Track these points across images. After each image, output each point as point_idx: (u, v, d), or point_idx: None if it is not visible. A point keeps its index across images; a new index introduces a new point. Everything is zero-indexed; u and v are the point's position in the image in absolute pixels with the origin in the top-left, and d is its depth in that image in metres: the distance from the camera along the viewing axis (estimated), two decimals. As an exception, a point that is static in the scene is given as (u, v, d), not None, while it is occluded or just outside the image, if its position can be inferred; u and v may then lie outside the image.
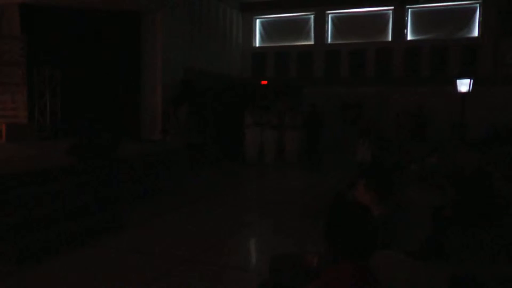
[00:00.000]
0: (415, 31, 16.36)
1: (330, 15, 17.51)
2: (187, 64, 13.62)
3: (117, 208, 6.58)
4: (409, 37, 16.42)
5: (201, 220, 6.81)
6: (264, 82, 15.37)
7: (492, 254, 4.19)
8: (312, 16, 17.76)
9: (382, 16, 16.82)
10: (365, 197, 3.12)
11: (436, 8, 15.99)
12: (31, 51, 10.29)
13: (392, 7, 16.44)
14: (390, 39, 16.66)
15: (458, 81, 10.72)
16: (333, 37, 17.59)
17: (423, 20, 16.23)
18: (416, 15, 16.35)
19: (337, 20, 17.49)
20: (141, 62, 12.39)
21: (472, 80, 10.51)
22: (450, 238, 4.58)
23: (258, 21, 18.60)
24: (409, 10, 16.33)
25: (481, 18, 15.40)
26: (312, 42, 17.79)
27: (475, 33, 15.55)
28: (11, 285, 4.24)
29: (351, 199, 3.60)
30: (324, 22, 17.53)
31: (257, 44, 18.70)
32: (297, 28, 18.01)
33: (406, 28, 16.38)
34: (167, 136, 11.31)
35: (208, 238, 5.81)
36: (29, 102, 10.33)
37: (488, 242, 4.40)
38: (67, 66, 10.92)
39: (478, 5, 15.45)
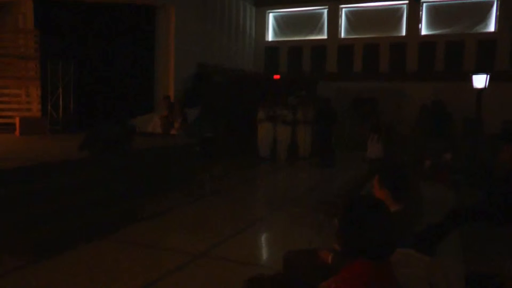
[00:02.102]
0: (429, 25, 16.16)
1: (343, 10, 17.37)
2: (200, 58, 13.60)
3: (129, 202, 6.59)
4: (423, 32, 16.23)
5: (213, 215, 6.80)
6: (276, 77, 15.31)
7: (511, 252, 4.11)
8: (325, 11, 17.63)
9: (396, 11, 16.65)
10: (379, 193, 3.07)
11: (452, 2, 15.77)
12: (45, 45, 10.33)
13: (406, 1, 16.25)
14: (404, 33, 16.50)
15: (474, 77, 10.52)
16: (346, 31, 17.46)
17: (438, 15, 16.02)
18: (431, 10, 16.14)
19: (350, 15, 17.35)
20: (154, 55, 12.40)
21: (488, 76, 10.32)
22: (468, 235, 4.52)
23: (271, 15, 18.52)
24: (424, 4, 16.13)
25: (498, 13, 15.14)
26: (325, 37, 17.68)
27: (492, 28, 15.31)
28: (26, 277, 4.27)
29: (367, 194, 3.55)
30: (338, 16, 17.40)
31: (270, 38, 18.62)
32: (310, 22, 17.91)
33: (421, 22, 16.19)
34: (171, 129, 11.29)
35: (220, 232, 5.79)
36: (42, 96, 10.38)
37: (507, 240, 4.32)
38: (81, 60, 10.96)
39: (495, -1, 15.22)
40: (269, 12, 18.48)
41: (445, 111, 13.77)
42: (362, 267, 1.89)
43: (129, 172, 7.17)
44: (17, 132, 9.42)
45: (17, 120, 9.51)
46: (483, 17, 15.42)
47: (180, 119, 11.34)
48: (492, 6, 15.25)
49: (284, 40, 18.28)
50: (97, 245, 5.17)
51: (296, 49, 17.89)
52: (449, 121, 13.64)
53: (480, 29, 15.46)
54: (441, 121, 13.28)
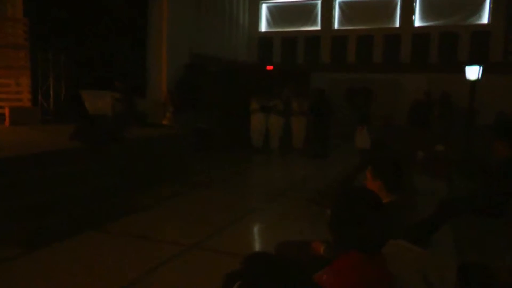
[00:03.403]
0: (423, 17, 16.13)
1: (337, 1, 17.29)
2: (192, 48, 13.51)
3: (122, 193, 6.55)
4: (417, 24, 16.20)
5: (206, 206, 6.77)
6: (269, 68, 15.25)
7: (503, 244, 4.12)
8: (319, 2, 17.55)
9: (390, 2, 16.59)
10: (373, 185, 3.04)
11: (446, -6, 15.75)
12: (36, 35, 10.18)
13: (400, -7, 16.21)
14: (398, 25, 16.45)
15: (467, 68, 10.53)
16: (340, 23, 17.38)
17: (431, 6, 15.99)
18: (425, 1, 16.10)
19: (344, 6, 17.28)
20: (146, 46, 12.29)
21: (481, 67, 10.33)
22: (460, 227, 4.51)
23: (264, 5, 18.40)
24: (418, -5, 16.10)
25: (491, 5, 15.14)
26: (318, 28, 17.60)
27: (485, 19, 15.31)
28: (18, 268, 4.24)
29: (359, 186, 3.52)
30: (331, 7, 17.33)
31: (264, 29, 18.52)
32: (304, 13, 17.81)
33: (414, 14, 16.15)
34: (164, 118, 11.26)
35: (213, 224, 5.76)
36: (33, 86, 10.25)
37: (499, 232, 4.32)
38: (72, 50, 10.81)
39: (489, -9, 15.20)
40: (262, 3, 18.36)
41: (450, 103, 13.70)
42: (354, 259, 1.87)
43: (122, 163, 7.11)
44: (7, 122, 9.30)
45: (6, 110, 9.39)
46: (477, 9, 15.41)
47: (172, 109, 11.29)
48: (485, -3, 15.25)
49: (277, 31, 18.19)
50: (90, 237, 5.12)
51: (289, 40, 17.80)
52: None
53: (473, 20, 15.45)
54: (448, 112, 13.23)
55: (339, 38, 17.11)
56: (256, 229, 6.13)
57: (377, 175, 3.03)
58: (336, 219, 1.97)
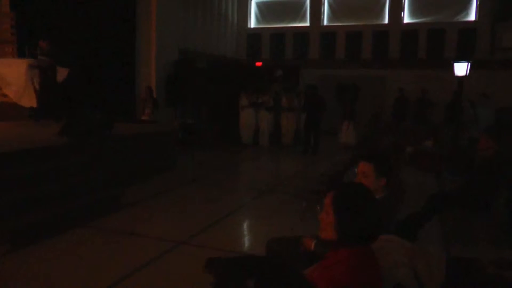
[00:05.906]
0: (412, 14, 16.23)
1: (326, -3, 17.32)
2: (182, 44, 13.44)
3: (110, 189, 6.50)
4: (405, 20, 16.28)
5: (195, 202, 6.76)
6: (259, 64, 15.24)
7: (490, 238, 4.17)
8: (308, -2, 17.56)
9: (379, -1, 16.66)
10: (376, 183, 2.99)
11: (434, -9, 15.85)
12: (23, 29, 10.05)
13: (389, -11, 16.27)
14: (386, 21, 16.52)
15: (456, 65, 10.57)
16: (329, 19, 17.41)
17: (420, 3, 16.10)
18: (414, -2, 16.21)
19: (333, 2, 17.30)
20: (136, 41, 12.20)
21: (469, 64, 10.39)
22: (448, 221, 4.56)
23: (253, 2, 18.37)
24: (406, -8, 16.18)
25: (478, 2, 15.28)
26: (307, 24, 17.61)
27: (472, 16, 15.45)
28: (3, 266, 4.18)
29: (350, 182, 3.52)
30: (320, 3, 17.34)
31: (253, 25, 18.48)
32: (293, 9, 17.82)
33: (403, 11, 16.23)
34: (143, 114, 11.22)
35: (203, 220, 5.75)
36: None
37: (487, 226, 4.37)
38: (59, 45, 10.68)
39: (476, -12, 15.32)
40: (251, -1, 18.36)
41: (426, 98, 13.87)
42: (345, 254, 1.88)
43: (109, 158, 7.06)
44: (-7, 118, 9.18)
45: (-7, 106, 9.26)
46: (464, 6, 15.55)
47: (151, 105, 11.26)
48: (472, -5, 15.38)
49: (266, 27, 18.17)
50: (78, 233, 5.09)
51: (278, 36, 17.80)
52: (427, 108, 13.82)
53: (461, 18, 15.59)
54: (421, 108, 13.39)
55: (328, 34, 17.14)
56: (245, 225, 6.13)
57: (383, 173, 2.99)
58: (342, 216, 1.95)
